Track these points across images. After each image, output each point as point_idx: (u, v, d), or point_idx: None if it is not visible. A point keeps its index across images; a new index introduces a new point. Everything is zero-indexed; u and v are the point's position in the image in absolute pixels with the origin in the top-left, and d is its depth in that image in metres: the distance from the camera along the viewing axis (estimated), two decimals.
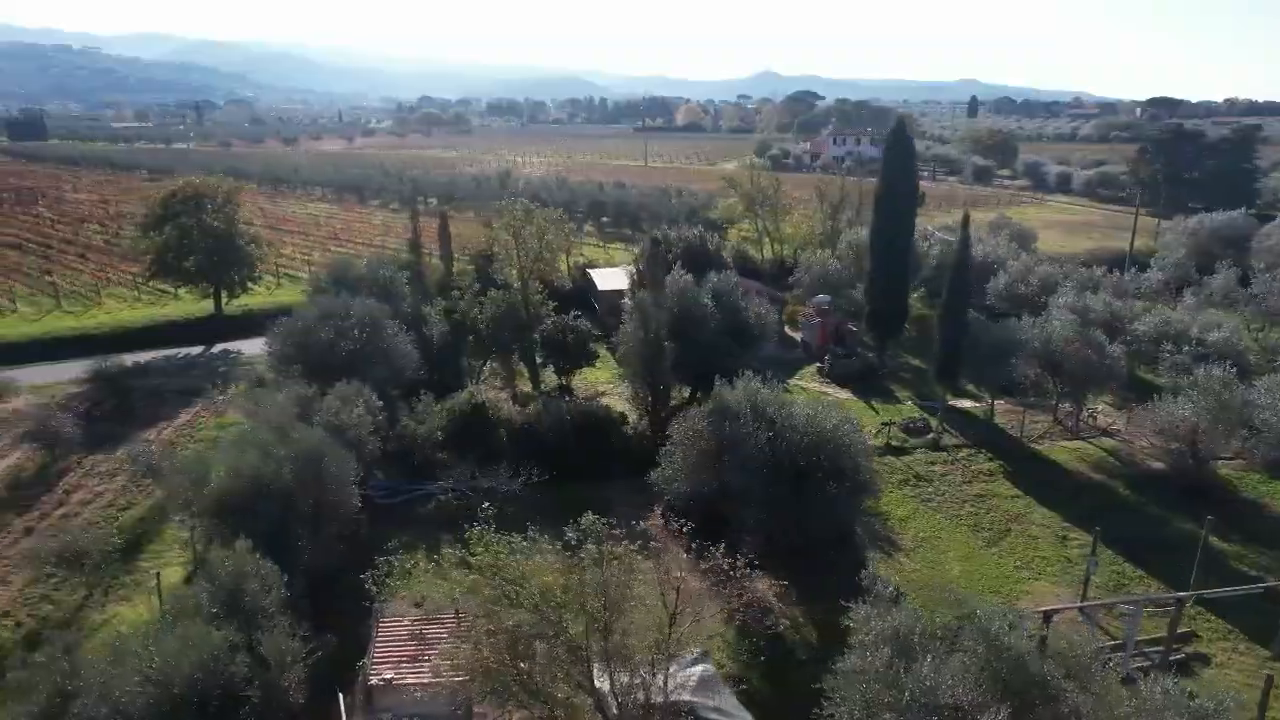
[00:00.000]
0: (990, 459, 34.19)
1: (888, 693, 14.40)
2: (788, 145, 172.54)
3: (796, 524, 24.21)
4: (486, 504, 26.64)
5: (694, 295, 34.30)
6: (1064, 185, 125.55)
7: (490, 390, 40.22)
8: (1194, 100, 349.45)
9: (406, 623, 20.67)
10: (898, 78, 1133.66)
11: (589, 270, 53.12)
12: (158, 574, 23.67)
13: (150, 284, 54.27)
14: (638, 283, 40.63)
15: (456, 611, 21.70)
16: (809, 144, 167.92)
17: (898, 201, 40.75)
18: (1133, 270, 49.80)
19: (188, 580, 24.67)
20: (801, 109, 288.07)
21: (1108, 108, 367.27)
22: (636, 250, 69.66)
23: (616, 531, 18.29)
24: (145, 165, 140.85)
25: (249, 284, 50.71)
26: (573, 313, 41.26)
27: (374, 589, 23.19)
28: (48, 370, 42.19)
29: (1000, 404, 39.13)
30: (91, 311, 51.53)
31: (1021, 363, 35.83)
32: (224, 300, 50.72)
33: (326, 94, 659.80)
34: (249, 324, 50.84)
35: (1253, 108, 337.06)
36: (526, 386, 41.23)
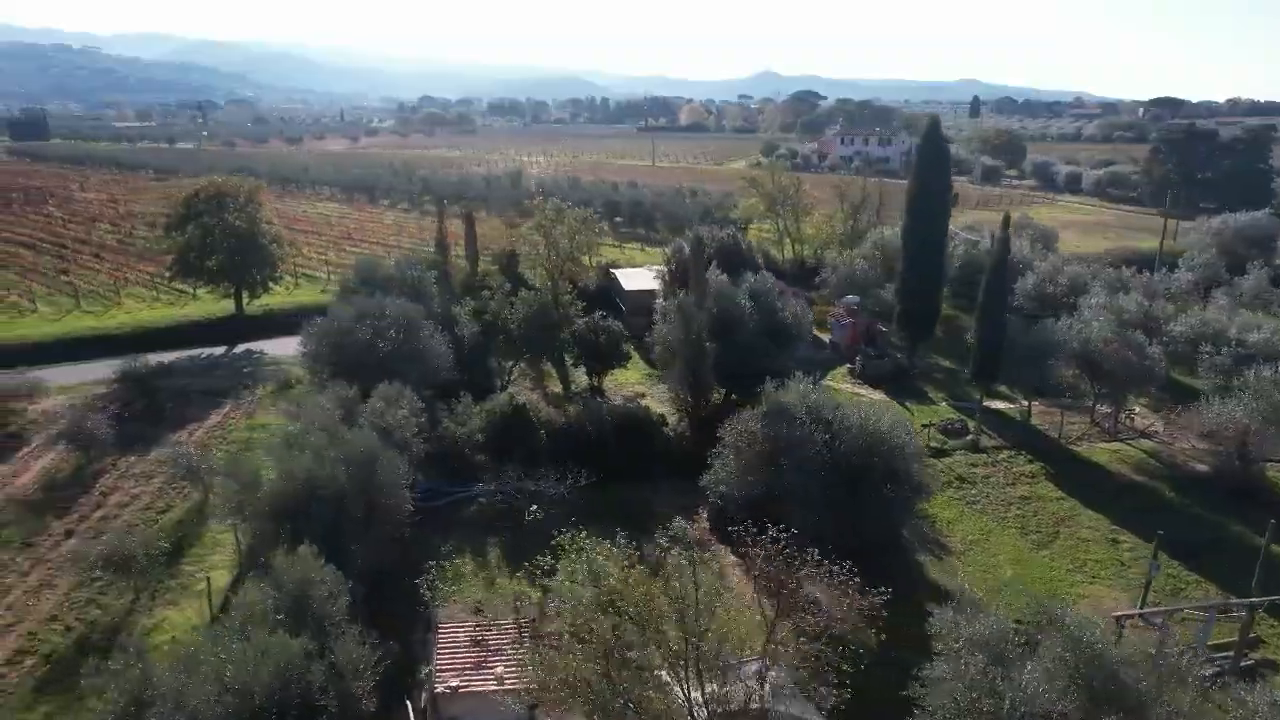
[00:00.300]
0: (1031, 460, 33.89)
1: (986, 701, 14.07)
2: (795, 145, 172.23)
3: (852, 526, 23.93)
4: (535, 507, 26.82)
5: (732, 296, 33.96)
6: (1073, 185, 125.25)
7: (521, 391, 39.97)
8: (1195, 100, 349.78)
9: (467, 629, 20.34)
10: (897, 78, 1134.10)
11: (612, 270, 52.73)
12: (208, 579, 23.33)
13: (170, 284, 53.85)
14: (671, 283, 40.33)
15: (517, 617, 21.45)
16: (816, 144, 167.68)
17: (932, 201, 40.44)
18: (1163, 270, 49.47)
19: (235, 583, 24.39)
20: (804, 109, 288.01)
21: (1109, 108, 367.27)
22: (657, 251, 69.45)
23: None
24: (150, 165, 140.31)
25: (270, 284, 50.30)
26: (597, 313, 40.95)
27: (428, 594, 23.02)
28: (72, 371, 41.79)
29: (1034, 405, 38.88)
30: (111, 311, 51.11)
31: (1059, 364, 35.54)
32: (245, 300, 50.33)
33: (326, 94, 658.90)
34: (270, 324, 50.62)
35: (1255, 108, 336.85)
36: (556, 387, 40.93)
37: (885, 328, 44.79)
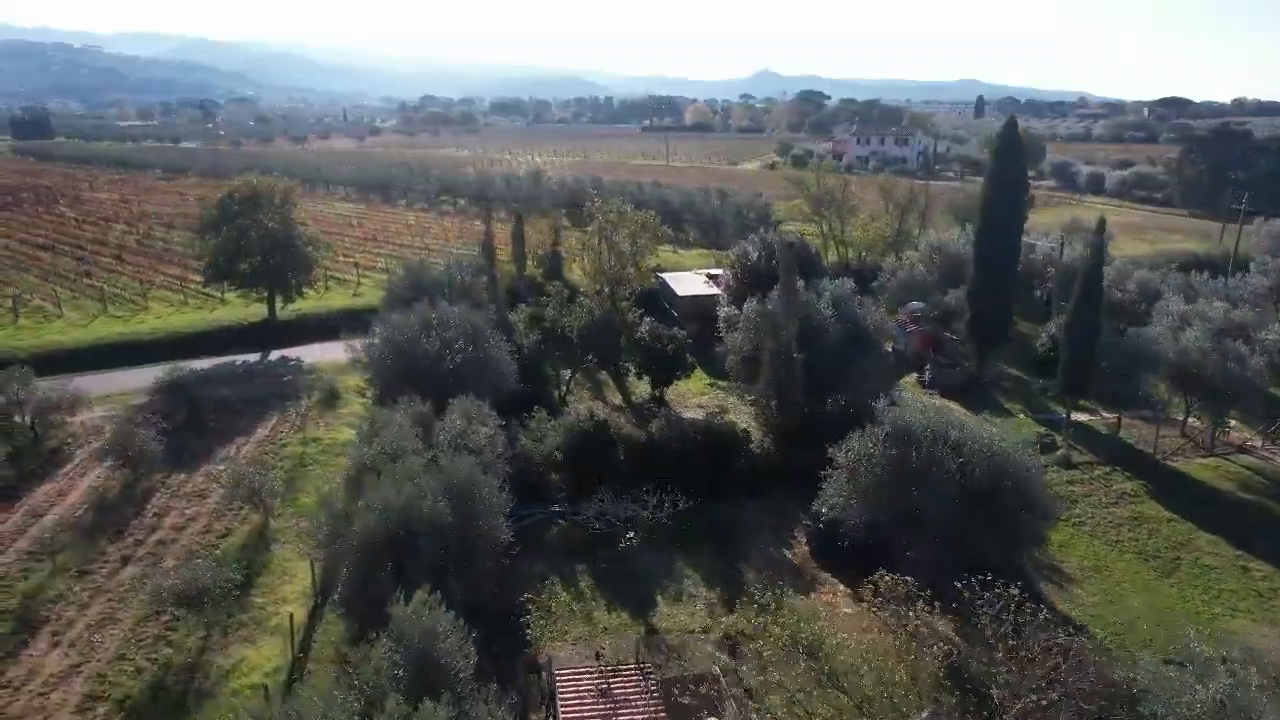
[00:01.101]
0: (1129, 478, 32.10)
1: None
2: (809, 145, 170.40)
3: (978, 554, 22.16)
4: (631, 534, 24.97)
5: (813, 304, 32.13)
6: (1095, 186, 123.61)
7: (581, 403, 38.13)
8: (1199, 100, 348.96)
9: (589, 676, 18.48)
10: (897, 78, 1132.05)
11: (661, 274, 50.83)
12: (290, 616, 21.43)
13: (204, 288, 51.82)
14: (739, 288, 38.54)
15: (639, 664, 19.60)
16: (831, 144, 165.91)
17: (1007, 204, 38.66)
18: (1239, 275, 47.75)
19: (312, 618, 22.53)
20: (811, 109, 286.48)
21: (1114, 107, 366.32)
22: (691, 253, 67.65)
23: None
24: (156, 164, 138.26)
25: (304, 288, 48.38)
26: (646, 319, 39.20)
27: (534, 633, 21.17)
28: (106, 379, 39.84)
29: (1112, 418, 37.17)
30: (139, 316, 49.14)
31: (1153, 376, 33.80)
32: (277, 305, 48.39)
33: (325, 93, 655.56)
34: (303, 329, 48.81)
35: (1261, 107, 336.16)
36: (614, 397, 39.10)
37: (954, 335, 42.98)
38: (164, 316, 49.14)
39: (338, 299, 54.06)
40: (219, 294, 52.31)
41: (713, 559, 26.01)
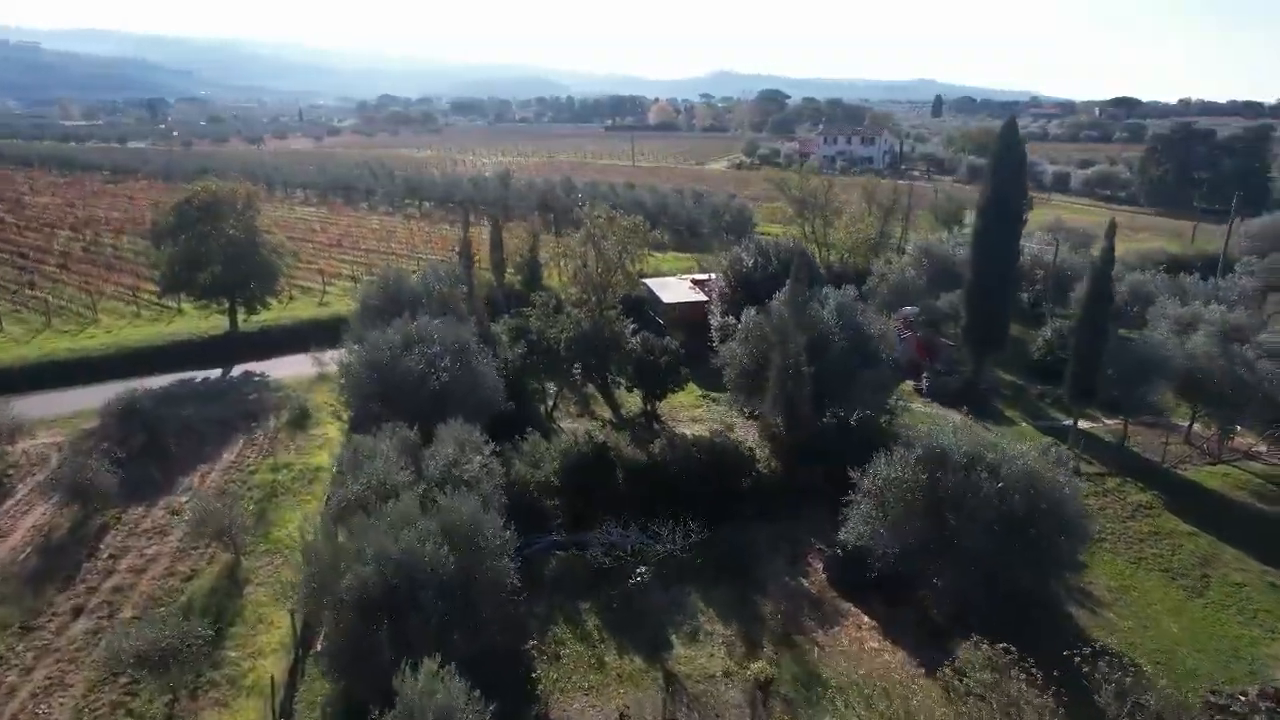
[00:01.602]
0: (1142, 489, 31.09)
1: None
2: (776, 145, 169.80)
3: (1012, 580, 20.82)
4: (643, 568, 23.13)
5: (819, 313, 30.56)
6: (1061, 185, 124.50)
7: (568, 418, 36.20)
8: (1146, 100, 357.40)
9: None
10: (855, 77, 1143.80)
11: (645, 281, 48.93)
12: (272, 678, 19.18)
13: (159, 299, 48.81)
14: (732, 297, 36.89)
15: None
16: (798, 143, 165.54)
17: (1006, 207, 37.53)
18: (1231, 275, 47.33)
19: (292, 675, 20.30)
20: (773, 108, 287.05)
21: (1066, 107, 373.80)
22: (668, 256, 65.86)
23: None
24: (103, 166, 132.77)
25: (269, 299, 45.68)
26: (630, 326, 37.45)
27: (545, 686, 19.29)
28: (51, 400, 36.94)
29: (1116, 424, 36.29)
30: (88, 330, 45.97)
31: (1162, 382, 32.86)
32: (240, 316, 45.61)
33: (280, 92, 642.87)
34: (267, 342, 46.17)
35: (1206, 108, 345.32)
36: (603, 412, 37.19)
37: (950, 341, 41.82)
38: (115, 330, 46.02)
39: (303, 309, 51.35)
40: (175, 305, 49.31)
41: (726, 590, 24.27)
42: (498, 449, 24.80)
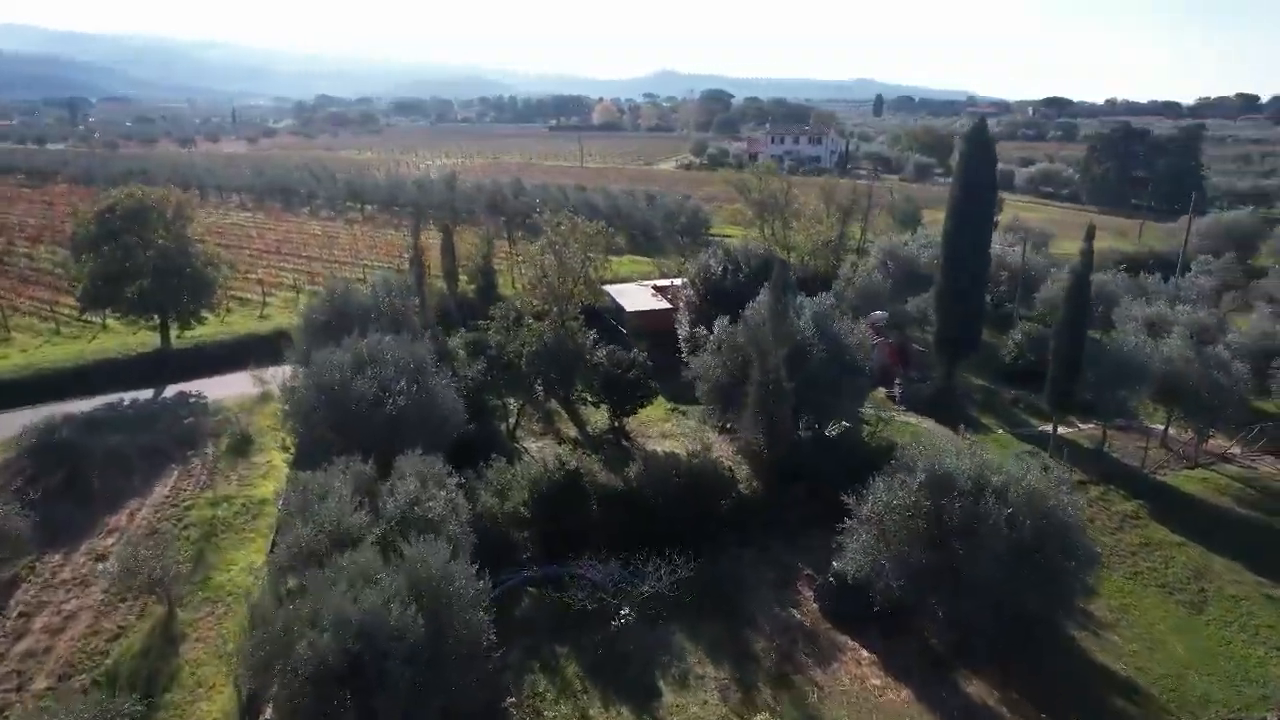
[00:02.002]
0: (1125, 497, 30.41)
1: None
2: (721, 144, 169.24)
3: (1021, 605, 19.62)
4: (626, 610, 21.32)
5: (795, 324, 29.13)
6: (1005, 183, 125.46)
7: (531, 438, 34.19)
8: (1076, 100, 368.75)
9: None
10: (796, 76, 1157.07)
11: (604, 287, 47.02)
12: None
13: (81, 315, 45.22)
14: (701, 306, 35.30)
15: None
16: (746, 143, 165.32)
17: (978, 207, 36.72)
18: (1190, 274, 47.48)
19: None
20: (718, 108, 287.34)
21: (1001, 106, 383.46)
22: (623, 260, 64.08)
23: None
24: (19, 168, 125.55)
25: (203, 313, 42.62)
26: (591, 337, 35.72)
27: None
28: None
29: (1092, 429, 35.79)
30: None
31: (1142, 387, 32.33)
32: (172, 333, 42.44)
33: (211, 92, 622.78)
34: (203, 359, 43.23)
35: (1131, 108, 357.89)
36: (570, 429, 35.25)
37: (922, 347, 40.92)
38: (31, 349, 42.42)
39: (242, 322, 48.28)
40: (99, 321, 45.78)
41: (714, 625, 22.64)
42: (462, 480, 22.72)
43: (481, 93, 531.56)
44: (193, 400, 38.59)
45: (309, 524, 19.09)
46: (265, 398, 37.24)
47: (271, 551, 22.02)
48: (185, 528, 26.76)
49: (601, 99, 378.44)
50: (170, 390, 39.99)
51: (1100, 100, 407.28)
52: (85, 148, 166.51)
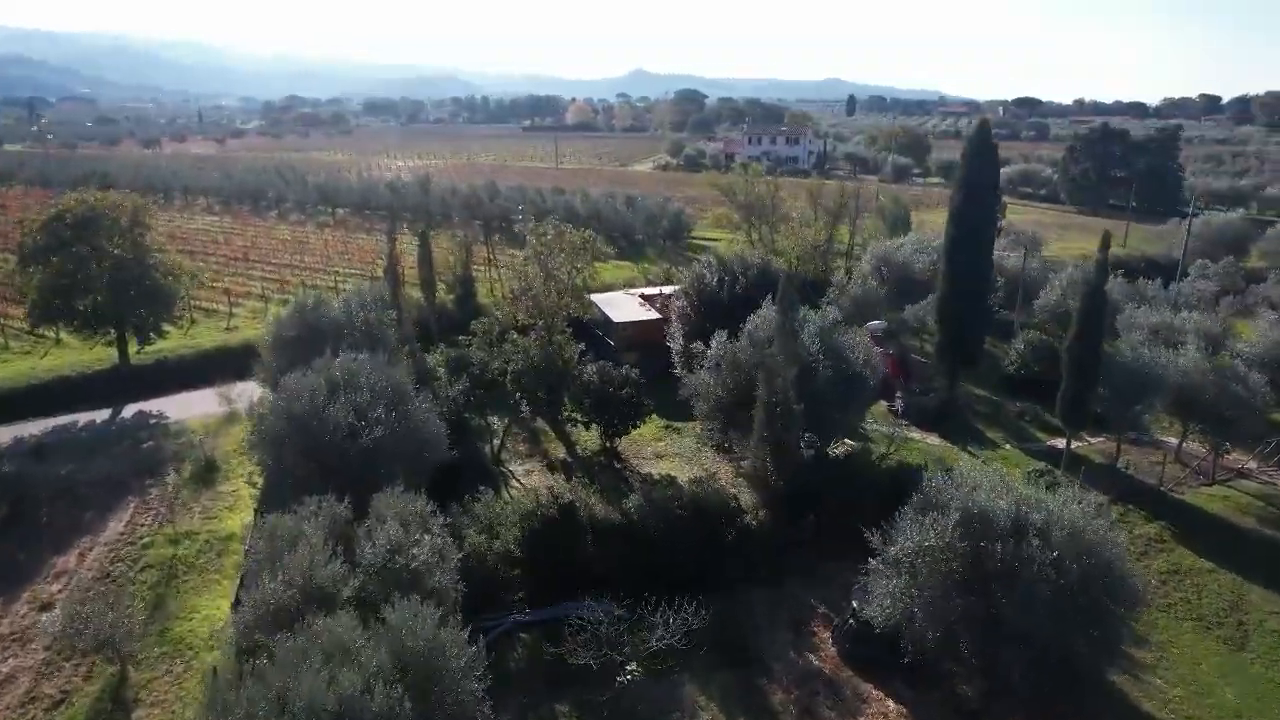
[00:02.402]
0: (1147, 518, 28.95)
1: None
2: (696, 144, 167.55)
3: (1064, 655, 17.94)
4: (632, 666, 19.37)
5: (803, 342, 27.34)
6: None
7: (516, 459, 32.15)
8: (1045, 100, 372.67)
9: None
10: (767, 77, 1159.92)
11: (590, 296, 45.00)
12: None
13: (32, 330, 42.42)
14: (695, 318, 33.44)
15: None
16: (723, 143, 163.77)
17: (981, 213, 35.23)
18: (1189, 278, 46.35)
19: None
20: (692, 108, 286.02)
21: (972, 106, 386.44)
22: (604, 266, 62.05)
23: None
24: None
25: (164, 326, 40.03)
26: (579, 349, 33.82)
27: None
28: None
29: (1101, 443, 34.45)
30: None
31: (1157, 401, 30.94)
32: (131, 347, 39.79)
33: (178, 92, 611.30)
34: (165, 375, 40.71)
35: (1099, 108, 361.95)
36: (558, 450, 33.23)
37: (923, 357, 39.37)
38: None
39: (207, 335, 45.69)
40: (52, 334, 43.00)
41: (727, 675, 20.75)
42: (447, 521, 20.66)
43: (454, 93, 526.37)
44: (153, 421, 36.08)
45: (277, 576, 16.99)
46: (232, 418, 34.99)
47: (236, 606, 19.82)
48: (141, 570, 24.41)
49: (575, 99, 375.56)
50: (129, 410, 37.47)
51: (1069, 100, 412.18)
52: (39, 148, 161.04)
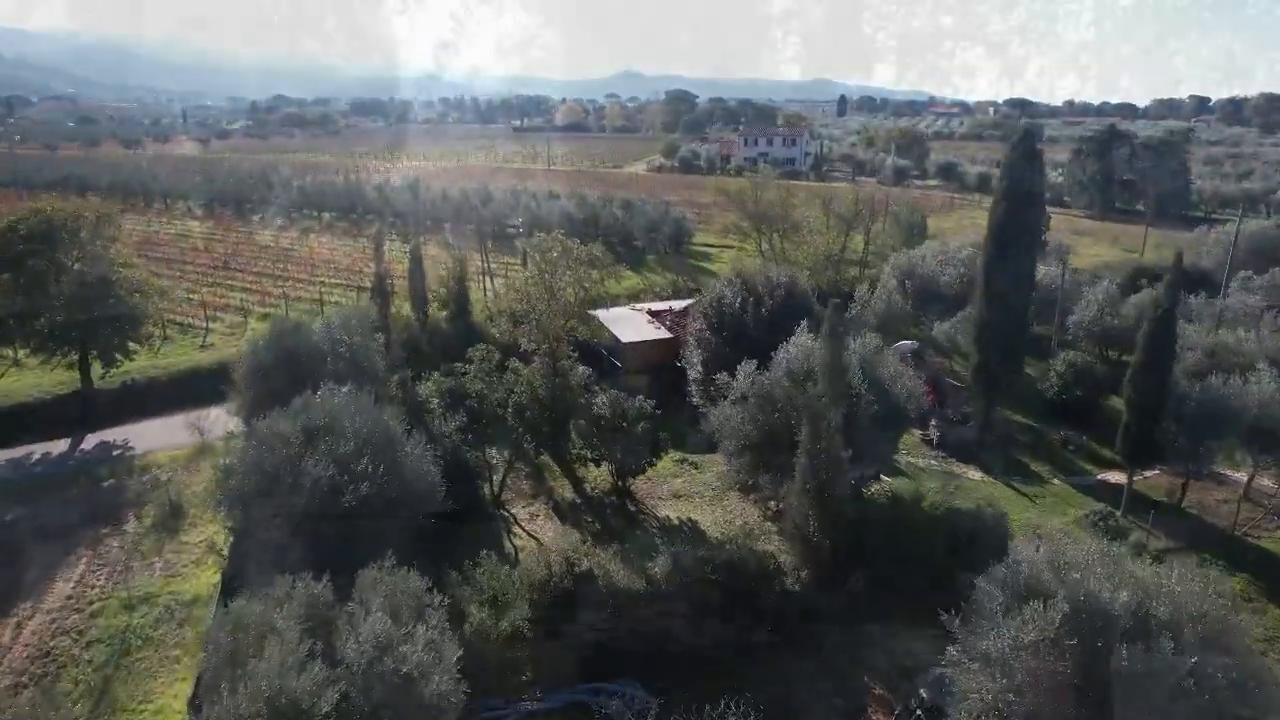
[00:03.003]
0: (1227, 570, 25.89)
1: None
2: (692, 145, 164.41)
3: None
4: None
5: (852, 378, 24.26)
6: (984, 185, 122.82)
7: (520, 502, 28.93)
8: (1036, 101, 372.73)
9: None
10: (755, 77, 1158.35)
11: (597, 314, 41.79)
12: None
13: None
14: (717, 345, 30.31)
15: None
16: (718, 145, 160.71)
17: (1025, 229, 32.33)
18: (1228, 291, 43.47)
19: None
20: (684, 109, 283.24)
21: (963, 107, 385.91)
22: (648, 280, 58.81)
23: None
24: None
25: (131, 346, 36.61)
26: (587, 374, 30.73)
27: None
28: None
29: (1153, 476, 31.58)
30: None
31: (1232, 435, 28.03)
32: (95, 370, 36.33)
33: (161, 92, 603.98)
34: (132, 400, 37.37)
35: (1089, 109, 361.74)
36: (564, 489, 30.02)
37: (958, 382, 36.39)
38: None
39: (180, 354, 42.31)
40: (10, 356, 39.47)
41: None
42: (447, 597, 17.44)
43: (442, 94, 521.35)
44: (116, 454, 32.75)
45: (240, 688, 13.81)
46: (204, 450, 31.73)
47: (194, 704, 16.59)
48: (88, 645, 21.09)
49: (565, 100, 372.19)
50: (91, 440, 34.17)
51: (1059, 102, 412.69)
52: (5, 148, 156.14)
